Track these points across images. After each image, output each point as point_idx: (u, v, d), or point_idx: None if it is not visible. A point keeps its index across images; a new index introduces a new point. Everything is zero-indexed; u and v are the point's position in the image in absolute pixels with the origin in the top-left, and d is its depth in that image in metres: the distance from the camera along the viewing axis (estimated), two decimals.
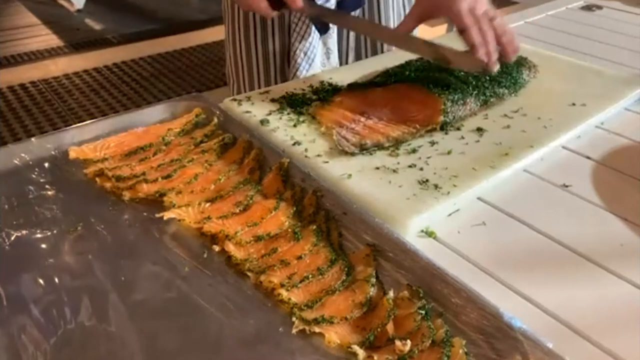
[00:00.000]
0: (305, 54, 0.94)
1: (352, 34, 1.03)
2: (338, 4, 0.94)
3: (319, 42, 0.96)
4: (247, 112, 0.75)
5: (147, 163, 0.65)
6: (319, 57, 0.96)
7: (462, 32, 0.75)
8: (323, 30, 0.95)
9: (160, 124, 0.72)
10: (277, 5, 0.81)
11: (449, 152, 0.68)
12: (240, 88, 1.07)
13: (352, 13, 0.99)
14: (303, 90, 0.82)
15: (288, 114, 0.75)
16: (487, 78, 0.80)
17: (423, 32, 0.83)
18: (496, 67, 0.73)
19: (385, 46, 1.07)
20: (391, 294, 0.48)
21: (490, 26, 0.76)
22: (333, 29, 0.98)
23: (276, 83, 1.00)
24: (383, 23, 1.05)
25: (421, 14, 0.83)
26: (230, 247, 0.53)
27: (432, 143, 0.70)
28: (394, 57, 0.92)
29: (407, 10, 1.09)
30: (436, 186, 0.61)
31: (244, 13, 1.00)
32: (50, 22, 3.80)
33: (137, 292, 0.49)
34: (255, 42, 1.01)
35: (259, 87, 1.01)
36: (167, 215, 0.56)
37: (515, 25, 1.19)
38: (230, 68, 1.10)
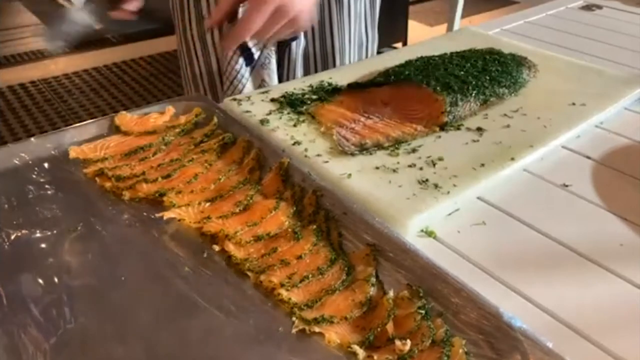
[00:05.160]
0: (231, 82, 0.88)
1: (298, 64, 0.96)
2: None
3: (248, 72, 0.89)
4: (247, 111, 0.75)
5: (147, 163, 0.65)
6: (250, 88, 0.89)
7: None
8: (248, 60, 0.88)
9: (160, 115, 0.73)
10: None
11: (448, 152, 0.68)
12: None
13: (304, 44, 0.95)
14: (303, 90, 0.82)
15: (288, 113, 0.75)
16: (487, 78, 0.80)
17: (423, 31, 0.82)
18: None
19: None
20: (391, 293, 0.48)
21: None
22: (269, 60, 0.91)
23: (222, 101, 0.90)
24: (337, 55, 0.99)
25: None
26: (230, 247, 0.53)
27: (432, 142, 0.70)
28: (394, 57, 0.92)
29: (369, 39, 1.04)
30: (436, 186, 0.61)
31: (183, 29, 0.96)
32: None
33: (137, 292, 0.49)
34: (197, 60, 0.96)
35: None
36: (167, 215, 0.56)
37: (515, 25, 1.19)
38: (183, 81, 1.05)
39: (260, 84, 0.91)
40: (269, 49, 0.89)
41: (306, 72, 0.99)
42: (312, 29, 0.95)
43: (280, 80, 0.95)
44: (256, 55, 0.88)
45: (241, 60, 0.88)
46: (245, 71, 0.88)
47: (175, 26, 0.99)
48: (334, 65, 1.00)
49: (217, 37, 0.92)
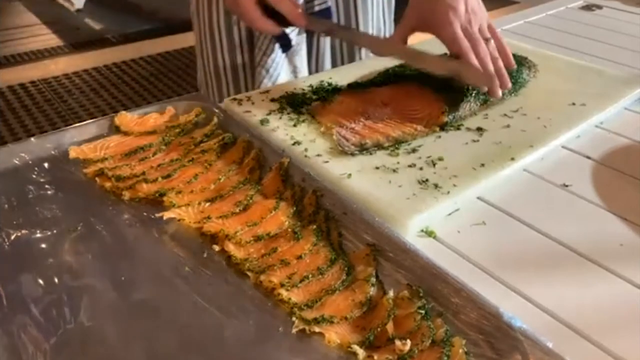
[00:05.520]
0: (267, 71, 0.90)
1: (327, 52, 0.99)
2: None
3: (283, 59, 0.92)
4: (247, 111, 0.75)
5: (147, 163, 0.65)
6: (285, 75, 0.92)
7: (458, 56, 0.74)
8: (286, 47, 0.91)
9: (159, 115, 0.73)
10: (282, 22, 0.78)
11: (448, 152, 0.68)
12: (210, 97, 1.02)
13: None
14: (303, 90, 0.82)
15: (288, 113, 0.75)
16: None
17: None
18: (500, 93, 0.74)
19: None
20: (391, 293, 0.48)
21: (487, 50, 0.75)
22: (300, 46, 0.94)
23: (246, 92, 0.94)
24: (361, 29, 1.01)
25: (413, 29, 0.81)
26: (230, 247, 0.53)
27: (432, 142, 0.70)
28: None
29: (387, 16, 1.07)
30: (436, 186, 0.61)
31: (209, 21, 0.96)
32: (50, 22, 3.80)
33: (137, 292, 0.49)
34: (222, 53, 0.97)
35: (228, 96, 0.98)
36: (167, 215, 0.56)
37: (515, 25, 1.19)
38: (200, 76, 1.05)
39: (293, 69, 0.93)
40: (301, 34, 0.91)
41: (333, 60, 1.01)
42: (339, 18, 0.98)
43: (309, 70, 0.97)
44: (294, 41, 0.90)
45: (277, 47, 0.90)
46: (280, 58, 0.91)
47: (198, 20, 0.99)
48: (360, 52, 1.03)
49: (243, 30, 0.94)
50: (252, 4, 0.76)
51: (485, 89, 0.75)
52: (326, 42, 0.98)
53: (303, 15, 0.77)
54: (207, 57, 0.99)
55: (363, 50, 1.03)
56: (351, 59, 1.03)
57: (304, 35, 0.92)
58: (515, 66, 0.79)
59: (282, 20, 0.78)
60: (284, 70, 0.92)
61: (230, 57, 0.96)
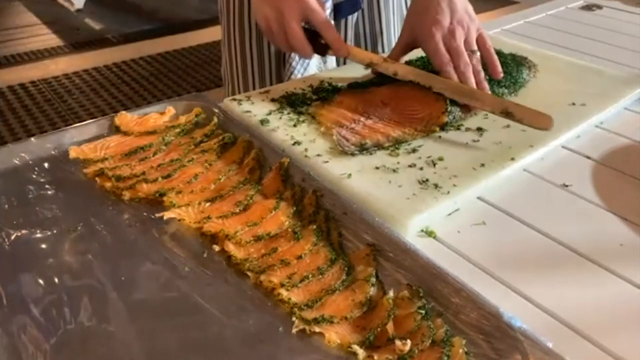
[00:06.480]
0: (300, 57, 0.93)
1: (350, 38, 1.02)
2: (335, 9, 0.94)
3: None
4: (247, 111, 0.75)
5: (147, 163, 0.65)
6: (315, 62, 0.96)
7: (439, 71, 0.76)
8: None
9: (160, 115, 0.73)
10: (321, 50, 0.81)
11: (448, 152, 0.68)
12: (235, 90, 1.06)
13: (351, 17, 0.99)
14: (303, 90, 0.82)
15: (288, 113, 0.75)
16: (487, 78, 0.80)
17: None
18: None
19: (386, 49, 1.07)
20: (391, 293, 0.48)
21: (469, 62, 0.76)
22: None
23: (271, 85, 1.00)
24: (384, 26, 1.04)
25: (407, 44, 0.84)
26: (230, 247, 0.53)
27: (432, 142, 0.70)
28: None
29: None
30: (436, 186, 0.61)
31: (239, 14, 1.00)
32: (50, 22, 3.80)
33: (137, 292, 0.49)
34: (250, 45, 1.01)
35: (253, 90, 1.01)
36: (167, 215, 0.56)
37: (515, 25, 1.19)
38: (225, 69, 1.09)
39: (321, 58, 0.96)
40: (330, 19, 0.93)
41: (355, 45, 1.03)
42: (363, 11, 1.00)
43: (337, 58, 1.00)
44: None
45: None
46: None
47: (228, 15, 1.02)
48: (382, 45, 1.06)
49: None
50: (298, 24, 0.77)
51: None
52: (352, 31, 1.01)
53: (345, 45, 0.80)
54: (235, 51, 1.03)
55: (385, 39, 1.05)
56: (374, 47, 1.06)
57: (332, 23, 0.94)
58: (501, 76, 0.80)
59: (319, 46, 0.80)
60: (315, 58, 0.95)
61: (258, 49, 1.00)
